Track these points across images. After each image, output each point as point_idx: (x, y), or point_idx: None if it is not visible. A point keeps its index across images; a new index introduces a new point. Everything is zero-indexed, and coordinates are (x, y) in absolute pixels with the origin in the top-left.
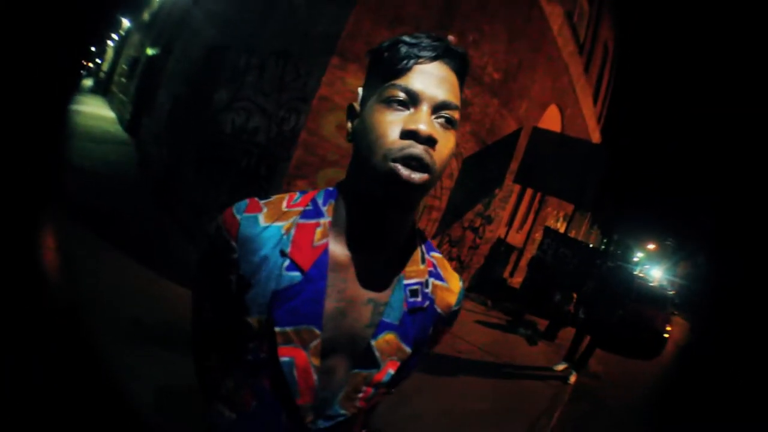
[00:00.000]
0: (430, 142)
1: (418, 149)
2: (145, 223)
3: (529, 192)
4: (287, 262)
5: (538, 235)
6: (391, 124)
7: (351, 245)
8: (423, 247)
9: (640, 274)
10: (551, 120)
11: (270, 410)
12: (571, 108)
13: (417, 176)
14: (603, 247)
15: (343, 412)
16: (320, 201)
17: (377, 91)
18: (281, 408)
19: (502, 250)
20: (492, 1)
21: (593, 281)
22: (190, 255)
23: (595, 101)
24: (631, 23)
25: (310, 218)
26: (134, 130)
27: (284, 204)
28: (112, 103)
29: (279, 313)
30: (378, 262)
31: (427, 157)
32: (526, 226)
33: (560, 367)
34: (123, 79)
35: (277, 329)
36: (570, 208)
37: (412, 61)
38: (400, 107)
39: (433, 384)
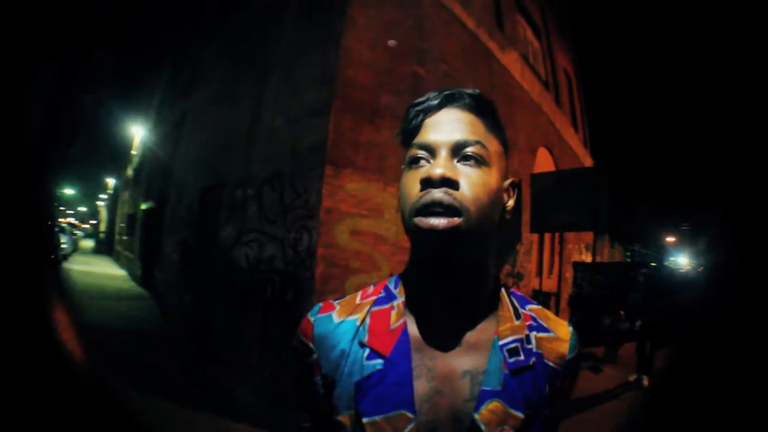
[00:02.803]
0: (446, 183)
1: (435, 194)
2: (189, 371)
3: (548, 236)
4: (367, 352)
5: (568, 275)
6: (413, 182)
7: (430, 320)
8: (515, 301)
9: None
10: (544, 162)
11: None
12: (557, 144)
13: (440, 221)
14: (628, 259)
15: None
16: (392, 286)
17: (404, 161)
18: None
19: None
20: (454, 69)
21: (635, 292)
22: (241, 392)
23: (575, 128)
24: (582, 43)
25: (383, 304)
26: (149, 283)
27: (357, 299)
28: (119, 261)
29: (365, 403)
30: (464, 330)
31: (447, 199)
32: (555, 270)
33: (633, 377)
34: (124, 237)
35: (365, 420)
36: (588, 237)
37: (421, 117)
38: (421, 164)
39: None
